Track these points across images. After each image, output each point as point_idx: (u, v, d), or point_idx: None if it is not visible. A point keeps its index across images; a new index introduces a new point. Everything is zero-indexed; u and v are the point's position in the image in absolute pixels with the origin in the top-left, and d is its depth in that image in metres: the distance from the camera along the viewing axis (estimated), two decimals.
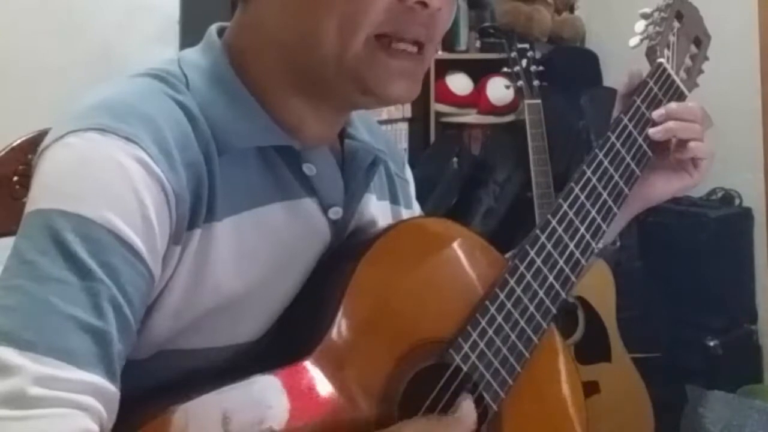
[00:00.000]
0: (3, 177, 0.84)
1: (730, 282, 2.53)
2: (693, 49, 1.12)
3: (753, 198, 2.57)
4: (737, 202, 2.60)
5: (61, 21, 2.36)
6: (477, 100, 2.91)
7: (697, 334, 2.47)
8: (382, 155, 0.92)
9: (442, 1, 0.78)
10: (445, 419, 0.77)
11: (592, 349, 2.29)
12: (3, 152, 0.87)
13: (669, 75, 1.04)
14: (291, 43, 0.78)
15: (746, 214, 2.58)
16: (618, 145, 0.97)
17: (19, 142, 0.87)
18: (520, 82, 2.53)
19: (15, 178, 0.84)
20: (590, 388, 2.18)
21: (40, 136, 0.82)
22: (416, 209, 1.04)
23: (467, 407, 0.79)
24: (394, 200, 0.98)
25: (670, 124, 0.99)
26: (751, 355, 2.54)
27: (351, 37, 0.75)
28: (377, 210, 0.92)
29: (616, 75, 2.89)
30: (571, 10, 3.13)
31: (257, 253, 0.78)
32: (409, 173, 1.04)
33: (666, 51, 1.06)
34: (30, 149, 0.83)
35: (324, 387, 0.74)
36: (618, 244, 1.06)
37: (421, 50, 0.80)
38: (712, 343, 2.44)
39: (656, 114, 1.00)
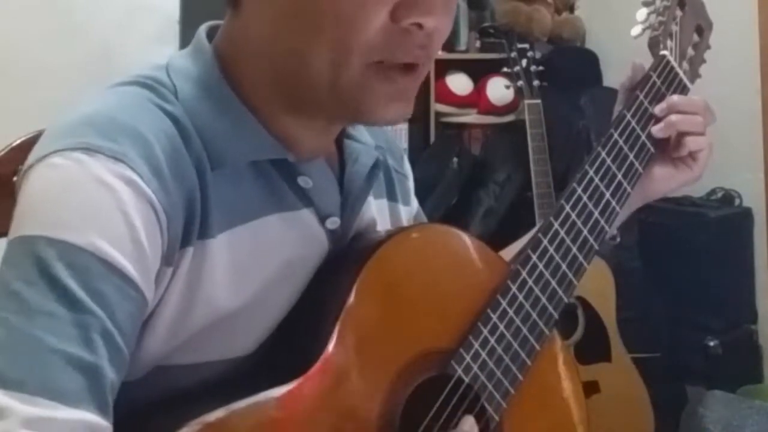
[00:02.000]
0: (3, 177, 0.84)
1: (730, 282, 2.53)
2: (695, 38, 1.09)
3: (753, 198, 2.57)
4: (737, 202, 2.60)
5: (61, 21, 2.36)
6: (477, 100, 2.91)
7: (697, 334, 2.46)
8: (383, 154, 0.90)
9: (439, 20, 0.73)
10: None
11: (592, 349, 2.29)
12: (3, 152, 0.87)
13: (672, 68, 1.02)
14: (280, 60, 0.74)
15: (746, 214, 2.58)
16: (621, 141, 0.95)
17: (19, 142, 0.86)
18: (520, 82, 2.53)
19: (15, 178, 0.84)
20: (590, 388, 2.18)
21: (40, 136, 0.82)
22: (414, 205, 1.02)
23: (468, 424, 0.77)
24: (391, 197, 0.95)
25: (672, 117, 0.97)
26: (751, 355, 2.54)
27: (344, 64, 0.71)
28: (375, 209, 0.90)
29: (616, 75, 2.88)
30: (571, 10, 3.13)
31: (253, 267, 0.76)
32: (407, 167, 1.01)
33: (669, 42, 1.04)
34: (30, 149, 0.83)
35: (324, 400, 0.72)
36: (618, 239, 1.04)
37: (414, 69, 0.76)
38: (712, 343, 2.44)
39: (658, 109, 0.98)
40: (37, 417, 0.59)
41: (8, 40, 2.29)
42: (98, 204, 0.66)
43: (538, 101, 2.51)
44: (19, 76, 2.29)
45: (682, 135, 0.98)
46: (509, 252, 1.01)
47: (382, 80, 0.73)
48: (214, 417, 0.67)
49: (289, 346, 0.77)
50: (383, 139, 0.95)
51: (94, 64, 2.29)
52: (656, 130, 0.97)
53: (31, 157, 0.70)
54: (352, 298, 0.74)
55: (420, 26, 0.72)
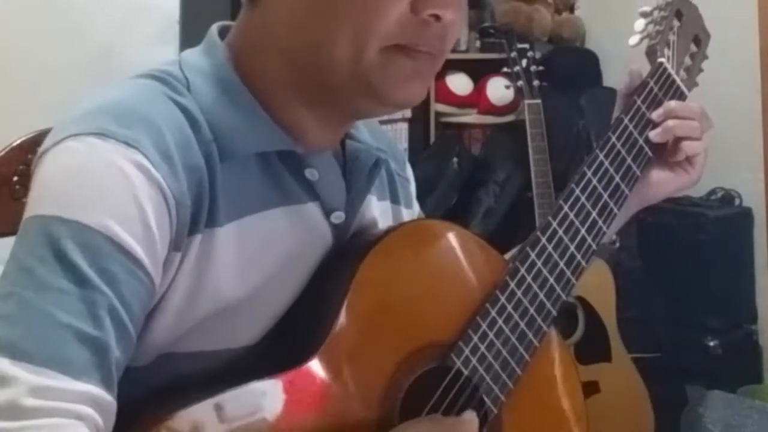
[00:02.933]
0: (3, 177, 0.84)
1: (730, 282, 2.53)
2: (693, 47, 1.12)
3: (753, 198, 2.57)
4: (737, 202, 2.60)
5: (61, 21, 2.36)
6: (477, 100, 2.91)
7: (697, 334, 2.46)
8: (384, 155, 0.91)
9: (455, 13, 0.77)
10: (447, 420, 0.77)
11: (592, 349, 2.29)
12: (3, 152, 0.87)
13: (669, 75, 1.04)
14: (299, 50, 0.77)
15: (746, 214, 2.58)
16: (618, 145, 0.97)
17: (19, 142, 0.86)
18: (520, 82, 2.53)
19: (15, 178, 0.84)
20: (590, 388, 2.18)
21: (40, 136, 0.82)
22: (416, 209, 1.04)
23: (470, 414, 0.79)
24: (394, 200, 0.97)
25: (669, 122, 0.99)
26: (751, 355, 2.54)
27: (364, 48, 0.74)
28: (378, 210, 0.91)
29: (616, 75, 2.89)
30: (571, 10, 3.13)
31: (259, 258, 0.77)
32: (410, 172, 1.04)
33: (666, 50, 1.06)
34: (30, 149, 0.83)
35: (324, 390, 0.73)
36: (617, 244, 1.06)
37: (433, 55, 0.79)
38: (712, 343, 2.44)
39: (655, 114, 1.00)
40: (43, 386, 0.61)
41: (8, 40, 2.29)
42: (110, 186, 0.68)
43: (538, 101, 2.51)
44: (19, 76, 2.29)
45: (679, 140, 1.00)
46: None
47: (401, 57, 0.76)
48: (213, 402, 0.68)
49: (292, 337, 0.79)
50: (386, 144, 0.97)
51: (94, 64, 2.29)
52: (654, 134, 1.00)
53: (47, 142, 0.72)
54: (352, 291, 0.76)
55: (438, 18, 0.75)
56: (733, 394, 2.32)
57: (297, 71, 0.78)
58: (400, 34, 0.75)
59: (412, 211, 1.02)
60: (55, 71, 2.30)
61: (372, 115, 0.89)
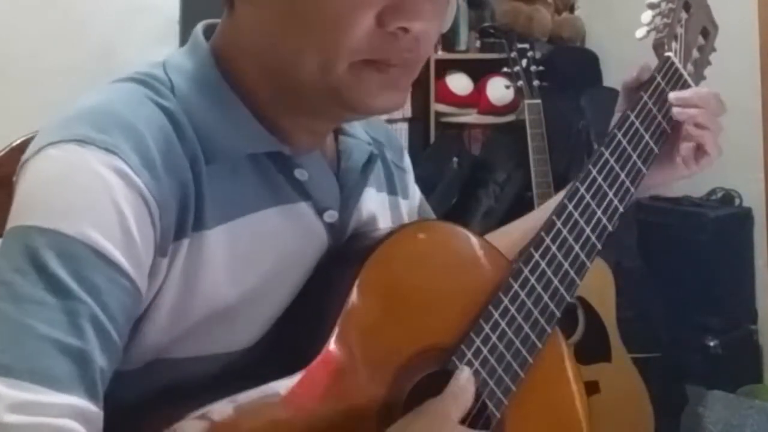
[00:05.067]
0: (3, 177, 0.84)
1: (730, 282, 2.53)
2: (700, 40, 1.09)
3: (753, 198, 2.57)
4: (737, 202, 2.60)
5: (61, 21, 2.37)
6: (477, 100, 2.91)
7: (697, 334, 2.46)
8: (379, 148, 0.90)
9: (426, 23, 0.73)
10: (447, 388, 0.76)
11: (592, 349, 2.29)
12: (3, 152, 0.87)
13: (677, 69, 1.02)
14: (271, 59, 0.76)
15: (746, 214, 2.58)
16: (624, 142, 0.95)
17: (19, 142, 0.86)
18: (520, 82, 2.53)
19: (15, 178, 0.84)
20: (590, 388, 2.18)
21: None
22: (415, 198, 1.03)
23: (465, 375, 0.77)
24: (391, 191, 0.96)
25: (694, 111, 0.97)
26: (751, 355, 2.54)
27: (332, 63, 0.72)
28: (376, 203, 0.90)
29: (616, 75, 2.89)
30: (571, 10, 3.13)
31: (251, 260, 0.76)
32: (407, 162, 1.02)
33: (674, 44, 1.04)
34: None
35: (325, 395, 0.72)
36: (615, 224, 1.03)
37: (406, 68, 0.77)
38: (712, 343, 2.44)
39: (673, 96, 0.98)
40: (24, 401, 0.60)
41: (8, 40, 2.29)
42: (89, 194, 0.67)
43: (538, 101, 2.51)
44: (19, 76, 2.29)
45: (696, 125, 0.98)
46: (498, 234, 1.03)
47: (370, 72, 0.74)
48: (219, 408, 0.67)
49: (289, 340, 0.78)
50: (383, 134, 0.96)
51: (94, 64, 2.30)
52: (678, 112, 0.97)
53: (28, 152, 0.71)
54: (353, 294, 0.75)
55: (406, 30, 0.73)
56: (733, 394, 2.32)
57: (272, 78, 0.77)
58: (368, 49, 0.72)
59: (409, 201, 1.01)
60: (55, 71, 2.30)
61: (353, 120, 0.87)
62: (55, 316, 0.63)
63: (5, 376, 0.60)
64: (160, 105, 0.74)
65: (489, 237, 0.93)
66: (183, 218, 0.71)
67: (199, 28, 0.83)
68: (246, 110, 0.77)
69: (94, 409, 0.63)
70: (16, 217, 0.68)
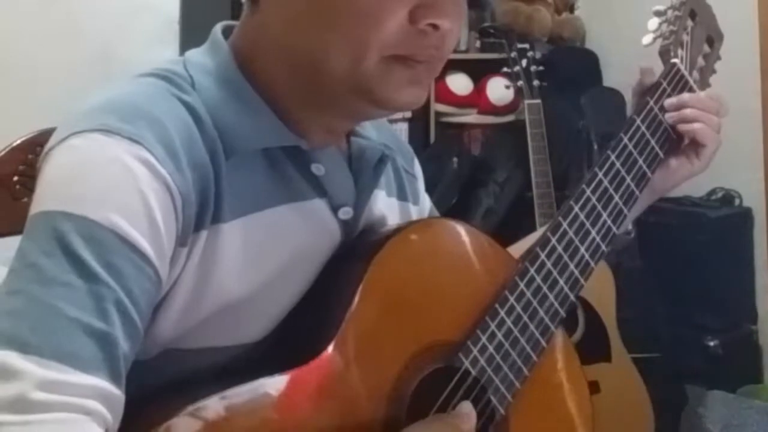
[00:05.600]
0: (3, 177, 0.84)
1: (730, 282, 2.53)
2: (706, 48, 1.11)
3: (753, 198, 2.57)
4: (737, 202, 2.60)
5: (61, 22, 2.37)
6: (477, 100, 2.91)
7: (697, 334, 2.46)
8: (390, 152, 0.91)
9: (453, 21, 0.77)
10: (448, 418, 0.77)
11: (592, 349, 2.29)
12: (3, 152, 0.87)
13: (683, 76, 1.03)
14: (297, 55, 0.78)
15: (746, 214, 2.58)
16: (630, 146, 0.96)
17: (19, 142, 0.86)
18: (520, 82, 2.53)
19: (15, 178, 0.84)
20: (590, 388, 2.17)
21: (41, 136, 0.82)
22: (425, 205, 1.04)
23: (466, 407, 0.79)
24: (402, 197, 0.97)
25: (687, 111, 0.99)
26: (751, 355, 2.53)
27: (361, 59, 0.75)
28: (386, 207, 0.92)
29: (616, 75, 2.89)
30: (571, 10, 3.13)
31: (265, 254, 0.78)
32: (417, 169, 1.04)
33: (680, 51, 1.05)
34: (30, 149, 0.83)
35: (331, 389, 0.73)
36: (633, 234, 1.05)
37: (431, 62, 0.79)
38: (712, 343, 2.44)
39: (668, 103, 1.00)
40: (51, 380, 0.61)
41: (8, 40, 2.29)
42: (116, 182, 0.68)
43: (538, 101, 2.51)
44: (20, 76, 2.29)
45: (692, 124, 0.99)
46: (514, 250, 1.02)
47: (399, 66, 0.76)
48: (209, 405, 0.68)
49: (298, 334, 0.79)
50: (393, 141, 0.97)
51: (94, 64, 2.30)
52: (670, 116, 0.99)
53: (52, 140, 0.73)
54: (360, 290, 0.76)
55: (435, 27, 0.75)
56: (733, 394, 2.32)
57: (296, 74, 0.79)
58: (398, 45, 0.75)
59: (419, 208, 1.02)
60: (55, 71, 2.30)
61: (372, 117, 0.89)
62: (81, 299, 0.64)
63: (33, 354, 0.61)
64: (181, 99, 0.76)
65: (512, 249, 0.95)
66: (203, 210, 0.73)
67: (218, 28, 0.84)
68: (265, 105, 0.79)
69: (116, 392, 0.65)
70: (42, 203, 0.69)
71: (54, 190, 0.69)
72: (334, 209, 0.83)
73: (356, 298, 0.75)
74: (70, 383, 0.62)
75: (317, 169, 0.81)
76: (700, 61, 1.09)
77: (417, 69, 0.78)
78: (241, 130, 0.77)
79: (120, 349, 0.65)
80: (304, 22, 0.76)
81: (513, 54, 2.56)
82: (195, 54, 0.83)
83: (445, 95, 2.87)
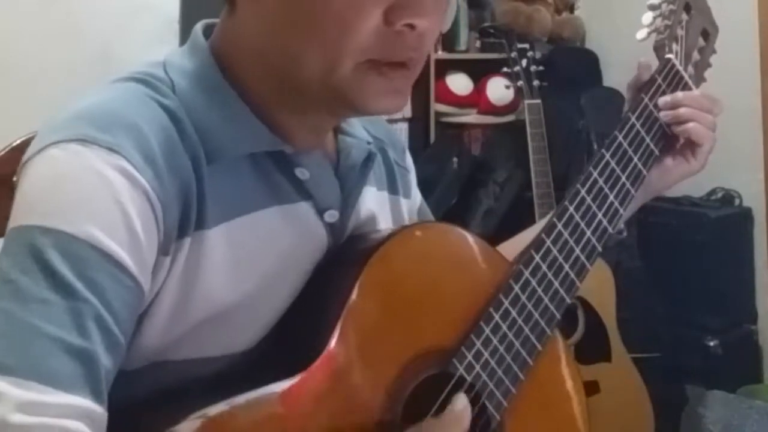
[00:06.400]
0: (3, 177, 0.84)
1: (730, 282, 2.53)
2: (701, 42, 1.09)
3: (753, 198, 2.57)
4: (737, 202, 2.60)
5: (61, 22, 2.37)
6: (477, 100, 2.91)
7: (697, 334, 2.46)
8: (379, 145, 0.90)
9: (431, 21, 0.74)
10: (442, 418, 0.76)
11: (592, 349, 2.29)
12: (3, 152, 0.87)
13: (678, 71, 1.02)
14: (273, 59, 0.76)
15: (746, 214, 2.58)
16: (625, 144, 0.95)
17: (19, 142, 0.86)
18: (520, 82, 2.52)
19: (15, 179, 0.84)
20: (590, 388, 2.18)
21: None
22: (416, 198, 1.02)
23: (461, 403, 0.77)
24: (393, 190, 0.96)
25: (681, 110, 0.98)
26: (751, 355, 2.54)
27: (337, 63, 0.72)
28: (376, 202, 0.90)
29: (616, 75, 2.89)
30: (571, 10, 3.13)
31: (251, 260, 0.76)
32: (409, 161, 1.02)
33: (674, 45, 1.04)
34: None
35: (325, 397, 0.72)
36: (625, 233, 1.04)
37: (408, 66, 0.76)
38: (712, 343, 2.44)
39: (661, 101, 0.99)
40: (30, 401, 0.59)
41: (8, 40, 2.29)
42: (93, 194, 0.67)
43: (538, 101, 2.51)
44: (20, 76, 2.29)
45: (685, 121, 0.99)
46: (509, 245, 1.02)
47: (374, 76, 0.74)
48: (216, 411, 0.67)
49: (290, 342, 0.78)
50: (384, 133, 0.96)
51: (94, 64, 2.30)
52: (665, 114, 0.98)
53: (29, 151, 0.71)
54: (354, 296, 0.74)
55: (412, 27, 0.73)
56: (733, 394, 2.32)
57: (273, 78, 0.77)
58: (374, 48, 0.73)
59: (410, 201, 1.00)
60: (55, 71, 2.30)
61: (353, 117, 0.87)
62: (60, 316, 0.63)
63: (11, 375, 0.60)
64: (161, 104, 0.74)
65: (501, 247, 0.93)
66: (185, 217, 0.71)
67: (199, 27, 0.82)
68: (247, 109, 0.77)
69: (98, 410, 0.63)
70: (19, 217, 0.68)
71: (30, 203, 0.68)
72: (320, 212, 0.81)
73: (349, 306, 0.74)
74: (51, 404, 0.60)
75: (301, 173, 0.80)
76: (696, 56, 1.08)
77: (392, 78, 0.75)
78: (224, 135, 0.75)
79: (101, 366, 0.64)
80: (278, 26, 0.74)
81: (513, 54, 2.55)
82: (175, 55, 0.80)
83: (445, 95, 2.87)
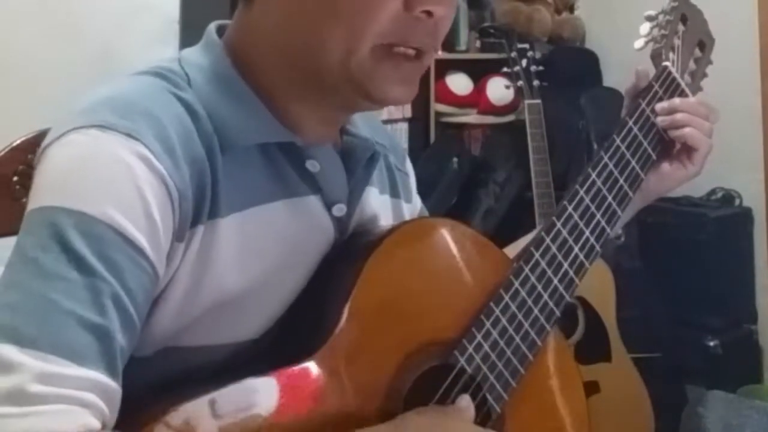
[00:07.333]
0: (3, 177, 0.84)
1: (730, 282, 2.53)
2: (697, 52, 1.12)
3: (753, 198, 2.57)
4: (737, 202, 2.60)
5: (61, 21, 2.36)
6: (477, 100, 2.91)
7: (697, 334, 2.46)
8: (382, 149, 0.92)
9: (447, 9, 0.79)
10: (447, 409, 0.78)
11: (592, 349, 2.29)
12: (3, 152, 0.87)
13: (674, 78, 1.05)
14: (293, 48, 0.79)
15: (746, 214, 2.58)
16: (623, 148, 0.98)
17: (19, 142, 0.86)
18: (520, 82, 2.52)
19: (15, 178, 0.84)
20: (590, 388, 2.18)
21: (40, 136, 0.82)
22: (416, 203, 1.04)
23: (465, 401, 0.79)
24: (394, 194, 0.98)
25: (678, 115, 1.00)
26: (751, 355, 2.54)
27: (357, 47, 0.76)
28: (378, 204, 0.92)
29: (616, 75, 2.89)
30: (571, 10, 3.13)
31: (261, 250, 0.78)
32: (409, 166, 1.05)
33: (671, 54, 1.07)
34: (30, 149, 0.83)
35: (323, 388, 0.73)
36: (622, 239, 1.07)
37: (420, 56, 0.80)
38: (712, 343, 2.44)
39: (659, 107, 1.01)
40: (49, 373, 0.62)
41: (8, 40, 2.29)
42: (113, 178, 0.69)
43: (538, 101, 2.50)
44: (20, 76, 2.29)
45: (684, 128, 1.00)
46: (509, 250, 1.03)
47: (389, 65, 0.78)
48: (207, 399, 0.68)
49: (296, 332, 0.79)
50: (386, 139, 0.98)
51: (94, 64, 2.29)
52: (662, 119, 1.00)
53: (49, 136, 0.73)
54: (357, 288, 0.76)
55: (430, 14, 0.77)
56: (733, 394, 2.32)
57: (291, 68, 0.80)
58: (392, 32, 0.76)
59: (412, 205, 1.02)
60: (55, 71, 2.29)
61: (366, 109, 0.89)
62: (78, 293, 0.65)
63: (30, 347, 0.62)
64: (177, 96, 0.76)
65: (509, 249, 0.95)
66: (200, 205, 0.73)
67: (212, 27, 0.85)
68: (259, 102, 0.80)
69: (113, 385, 0.65)
70: (40, 198, 0.70)
71: (51, 185, 0.70)
72: (328, 206, 0.83)
73: (351, 298, 0.76)
74: (68, 376, 0.62)
75: (312, 165, 0.82)
76: (692, 65, 1.11)
77: (404, 68, 0.79)
78: (237, 125, 0.77)
79: (117, 343, 0.66)
80: (300, 17, 0.77)
81: (513, 54, 2.55)
82: (190, 53, 0.83)
83: (445, 95, 2.87)
